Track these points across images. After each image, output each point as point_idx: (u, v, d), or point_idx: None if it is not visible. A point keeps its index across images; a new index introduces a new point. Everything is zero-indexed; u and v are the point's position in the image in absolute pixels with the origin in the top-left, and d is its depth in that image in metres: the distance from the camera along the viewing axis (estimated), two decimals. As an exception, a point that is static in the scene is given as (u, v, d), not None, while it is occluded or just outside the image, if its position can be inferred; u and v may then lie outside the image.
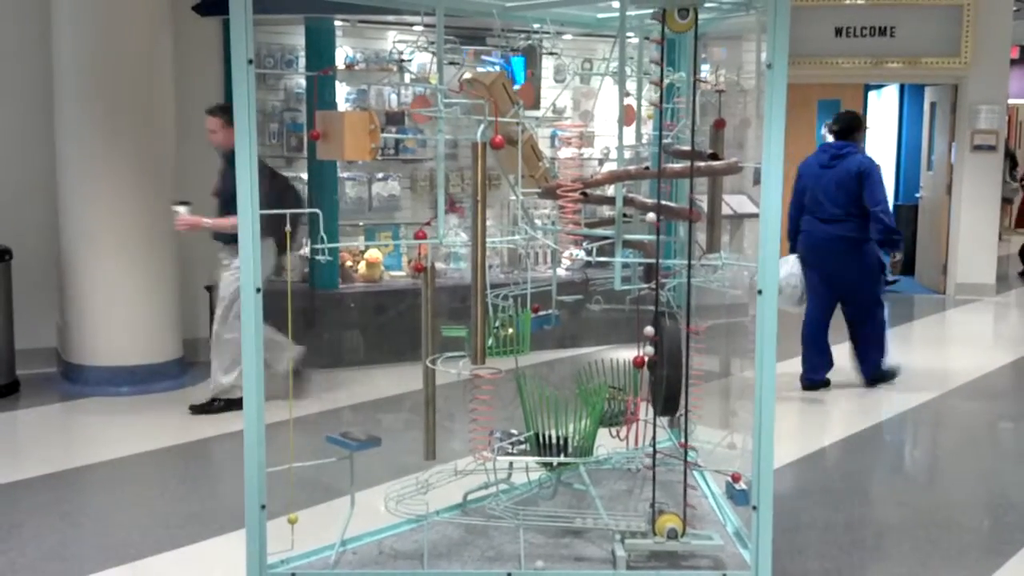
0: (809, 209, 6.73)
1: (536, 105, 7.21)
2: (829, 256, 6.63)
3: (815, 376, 6.89)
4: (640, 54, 4.02)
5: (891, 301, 8.08)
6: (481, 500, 3.81)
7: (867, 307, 6.81)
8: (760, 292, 3.06)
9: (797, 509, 4.61)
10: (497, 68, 4.01)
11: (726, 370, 6.17)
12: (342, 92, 7.77)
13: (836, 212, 6.58)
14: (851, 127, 6.78)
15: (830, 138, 6.88)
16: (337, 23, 7.47)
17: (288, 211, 3.37)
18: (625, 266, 3.75)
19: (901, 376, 7.15)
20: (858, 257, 6.62)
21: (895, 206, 12.34)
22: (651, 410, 3.73)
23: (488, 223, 3.22)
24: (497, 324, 3.54)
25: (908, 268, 11.85)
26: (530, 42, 4.12)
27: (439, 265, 7.45)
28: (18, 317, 6.80)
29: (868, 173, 6.51)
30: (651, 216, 3.41)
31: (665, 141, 3.87)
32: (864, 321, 6.85)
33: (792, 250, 6.83)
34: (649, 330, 3.47)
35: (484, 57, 7.10)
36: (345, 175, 7.79)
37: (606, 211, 3.91)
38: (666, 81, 3.78)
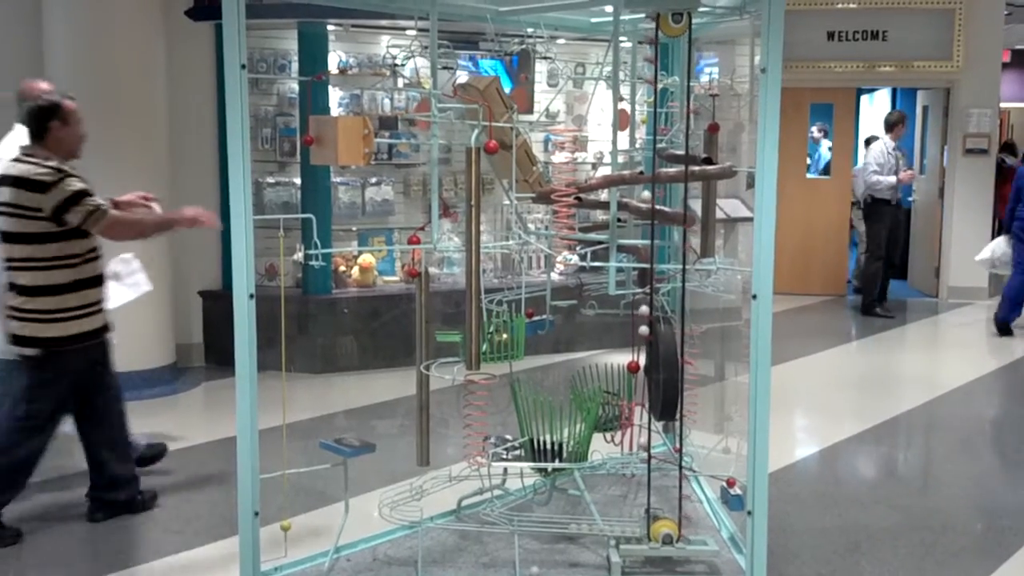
0: None
1: (530, 109, 7.22)
2: None
3: (1008, 320, 9.15)
4: (634, 58, 4.02)
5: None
6: (476, 506, 3.81)
7: None
8: (754, 297, 3.05)
9: (791, 513, 4.61)
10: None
11: (720, 374, 6.17)
12: (335, 97, 7.76)
13: None
14: None
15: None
16: (330, 28, 7.47)
17: (282, 216, 3.36)
18: (619, 270, 3.75)
19: (894, 380, 7.36)
20: None
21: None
22: (646, 415, 3.73)
23: (481, 228, 3.22)
24: (491, 329, 3.54)
25: (901, 272, 11.88)
26: (524, 47, 4.13)
27: (432, 270, 7.44)
28: (10, 323, 6.76)
29: None
30: (646, 194, 3.42)
31: (659, 146, 3.87)
32: None
33: (1005, 232, 9.30)
34: (644, 310, 3.47)
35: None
36: (338, 180, 7.77)
37: (599, 215, 3.91)
38: (660, 85, 3.78)
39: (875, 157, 10.30)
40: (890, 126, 10.42)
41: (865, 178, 10.33)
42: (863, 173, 10.48)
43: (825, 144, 12.35)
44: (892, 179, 10.17)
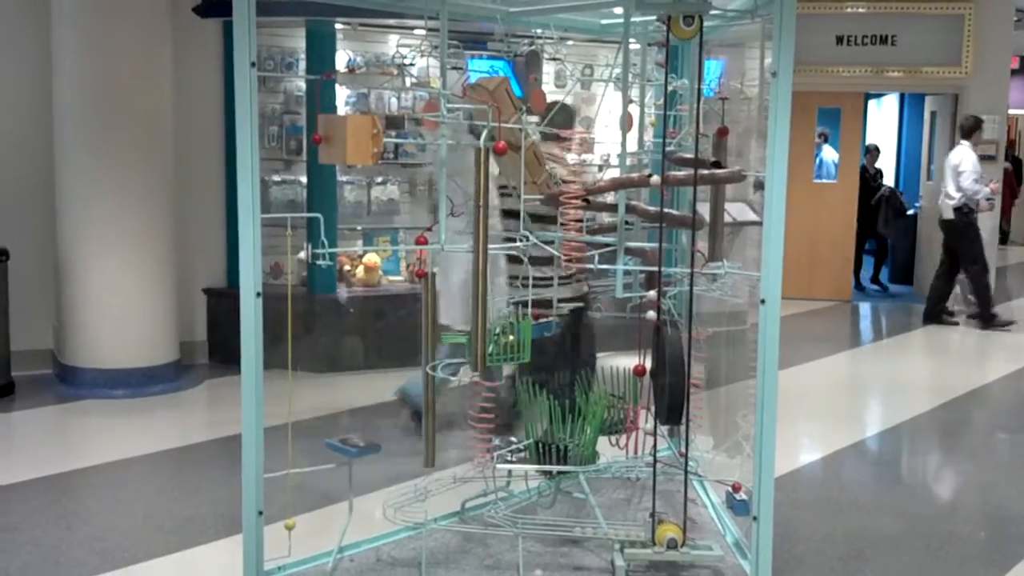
0: None
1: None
2: None
3: None
4: (643, 61, 4.01)
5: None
6: (480, 508, 3.80)
7: None
8: (763, 302, 3.04)
9: (796, 519, 4.60)
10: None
11: (727, 379, 6.15)
12: (342, 95, 7.76)
13: None
14: None
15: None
16: (338, 26, 7.46)
17: (289, 215, 3.35)
18: (626, 273, 3.74)
19: (900, 386, 7.35)
20: None
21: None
22: (651, 419, 3.71)
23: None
24: (497, 331, 3.52)
25: (907, 278, 11.84)
26: (533, 47, 4.11)
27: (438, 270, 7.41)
28: (14, 318, 6.77)
29: None
30: (655, 179, 3.40)
31: (668, 149, 3.85)
32: None
33: None
34: (652, 295, 3.46)
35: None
36: (344, 179, 7.76)
37: (607, 218, 3.90)
38: (669, 88, 3.77)
39: (973, 164, 9.49)
40: (970, 131, 9.77)
41: (965, 186, 9.45)
42: (959, 180, 9.49)
43: (827, 149, 12.31)
44: (987, 189, 9.60)
